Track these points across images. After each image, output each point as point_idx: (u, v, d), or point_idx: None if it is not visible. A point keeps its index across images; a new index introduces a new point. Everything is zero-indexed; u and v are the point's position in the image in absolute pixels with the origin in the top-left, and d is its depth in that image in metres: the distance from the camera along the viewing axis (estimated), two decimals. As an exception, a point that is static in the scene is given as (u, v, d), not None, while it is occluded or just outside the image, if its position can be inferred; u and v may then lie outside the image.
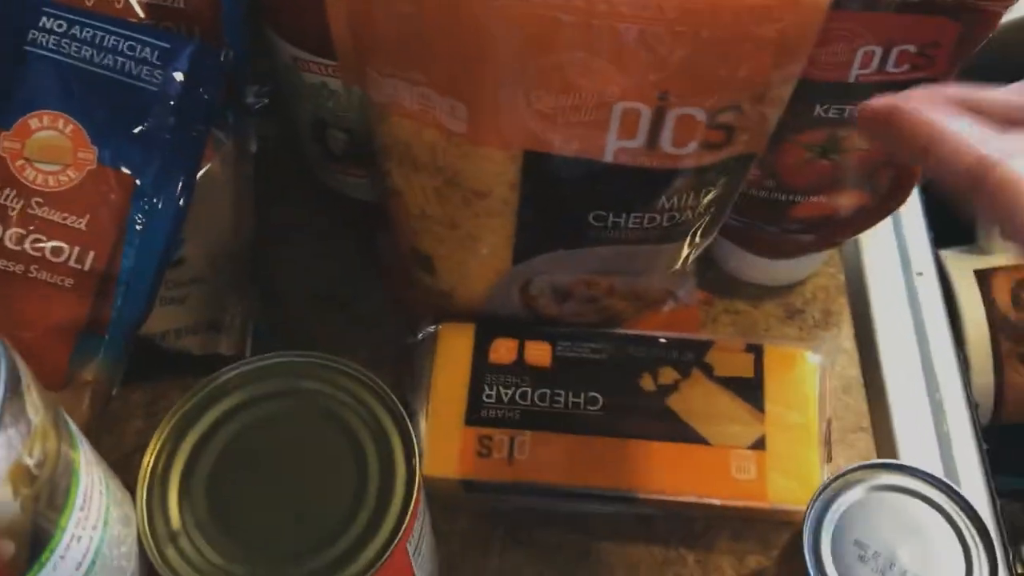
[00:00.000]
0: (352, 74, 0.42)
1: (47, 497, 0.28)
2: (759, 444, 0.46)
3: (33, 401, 0.27)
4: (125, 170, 0.43)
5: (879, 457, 0.51)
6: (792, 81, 0.37)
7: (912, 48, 0.40)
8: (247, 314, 0.52)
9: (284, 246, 0.57)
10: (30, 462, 0.26)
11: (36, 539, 0.28)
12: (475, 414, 0.47)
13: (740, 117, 0.38)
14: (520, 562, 0.47)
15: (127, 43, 0.43)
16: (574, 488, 0.46)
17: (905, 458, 0.50)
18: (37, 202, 0.42)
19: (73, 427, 0.30)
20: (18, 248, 0.42)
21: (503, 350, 0.49)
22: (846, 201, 0.49)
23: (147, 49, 0.43)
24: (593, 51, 0.36)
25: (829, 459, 0.46)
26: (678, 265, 0.47)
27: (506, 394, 0.48)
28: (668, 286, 0.51)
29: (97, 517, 0.31)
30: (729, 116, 0.38)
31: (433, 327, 0.50)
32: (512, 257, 0.45)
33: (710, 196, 0.42)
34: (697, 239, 0.45)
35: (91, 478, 0.30)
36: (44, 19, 0.43)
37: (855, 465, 0.40)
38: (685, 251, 0.45)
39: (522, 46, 0.36)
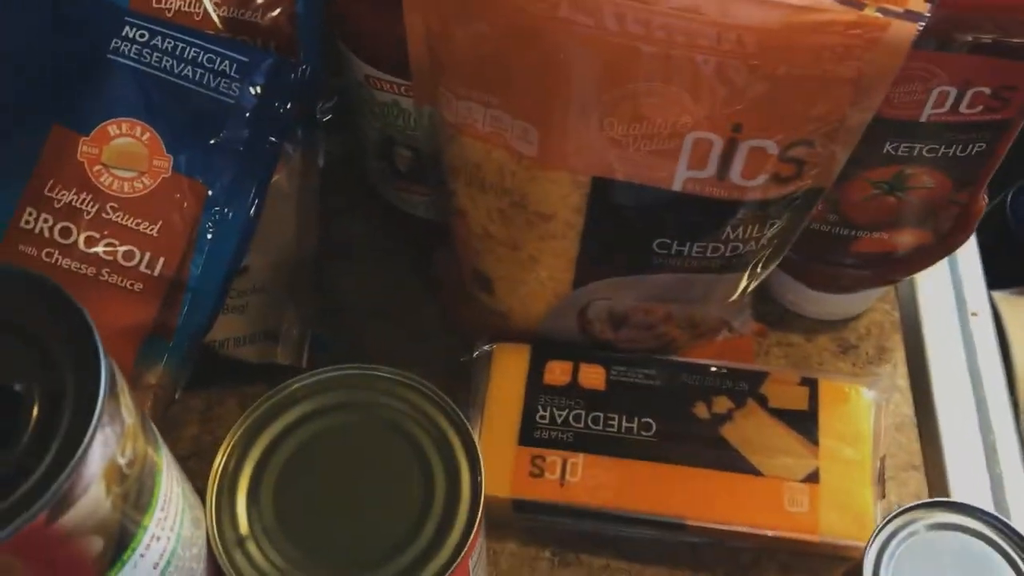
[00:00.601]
0: (425, 94, 0.43)
1: (134, 496, 0.28)
2: (812, 477, 0.46)
3: (127, 402, 0.28)
4: (198, 179, 0.44)
5: (931, 495, 0.50)
6: (867, 119, 0.37)
7: (987, 90, 0.40)
8: (305, 325, 0.53)
9: (342, 259, 0.58)
10: (122, 461, 0.27)
11: (120, 537, 0.28)
12: (528, 434, 0.48)
13: (811, 152, 0.38)
14: (567, 584, 0.47)
15: (206, 55, 0.44)
16: (624, 512, 0.46)
17: (957, 498, 0.50)
18: (112, 207, 0.43)
19: (155, 430, 0.31)
20: (91, 251, 0.43)
21: (558, 372, 0.49)
22: (907, 239, 0.49)
23: (225, 62, 0.44)
24: (670, 81, 0.36)
25: (883, 496, 0.46)
26: (736, 295, 0.47)
27: (559, 416, 0.48)
28: (724, 315, 0.51)
29: (174, 518, 0.31)
30: (801, 151, 0.38)
31: (488, 346, 0.50)
32: (572, 281, 0.45)
33: (774, 228, 0.42)
34: (758, 270, 0.45)
35: (171, 480, 0.31)
36: (127, 28, 0.44)
37: (914, 503, 0.40)
38: (744, 281, 0.46)
39: (599, 73, 0.37)
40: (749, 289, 0.47)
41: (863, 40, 0.34)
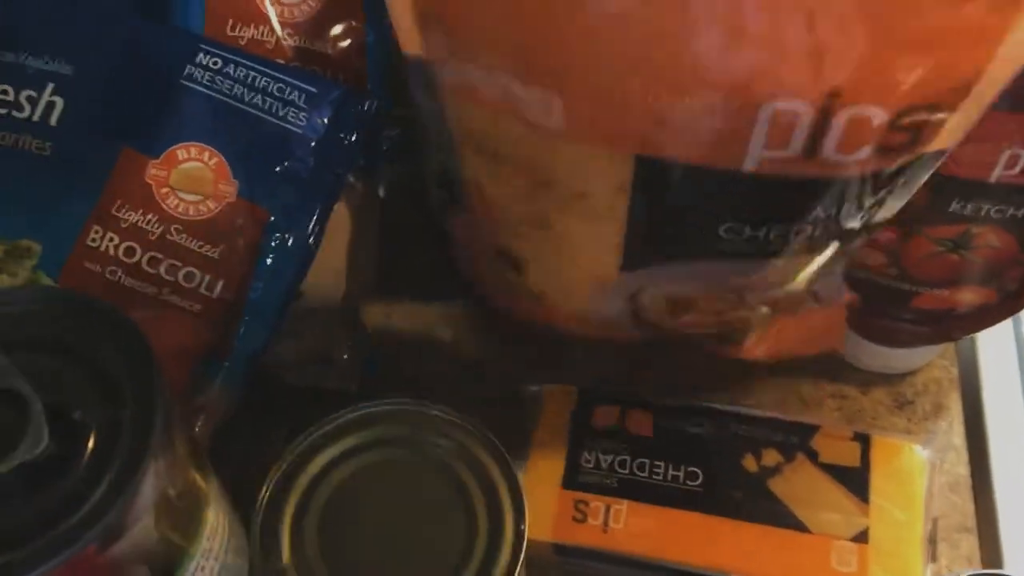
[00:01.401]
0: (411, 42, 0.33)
1: (182, 526, 0.28)
2: (862, 537, 0.45)
3: (180, 434, 0.28)
4: (261, 205, 0.45)
5: (983, 560, 0.49)
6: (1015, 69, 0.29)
7: (1060, 155, 0.39)
8: (358, 351, 0.53)
9: (400, 288, 0.58)
10: (172, 492, 0.27)
11: (165, 566, 0.28)
12: (573, 478, 0.47)
13: (934, 118, 0.31)
14: (606, 630, 0.47)
15: (276, 84, 0.45)
16: (666, 563, 0.46)
17: (1010, 564, 0.49)
18: (176, 229, 0.44)
19: (206, 459, 0.31)
20: (153, 271, 0.44)
21: (604, 416, 0.49)
22: (970, 297, 0.48)
23: (295, 92, 0.45)
24: (742, 33, 0.27)
25: (933, 559, 0.45)
26: (829, 275, 0.40)
27: (605, 460, 0.48)
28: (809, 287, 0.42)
29: (220, 547, 0.31)
30: (920, 116, 0.30)
31: (536, 387, 0.50)
32: (620, 264, 0.38)
33: (881, 197, 0.35)
34: (857, 239, 0.38)
35: (218, 510, 0.31)
36: (201, 55, 0.45)
37: (964, 572, 0.39)
38: (835, 256, 0.38)
39: (645, 25, 0.28)
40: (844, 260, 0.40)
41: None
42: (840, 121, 0.30)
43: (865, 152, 0.31)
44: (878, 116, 0.30)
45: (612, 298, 0.42)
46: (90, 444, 0.26)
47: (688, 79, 0.29)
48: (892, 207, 0.37)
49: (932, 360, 0.55)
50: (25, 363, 0.27)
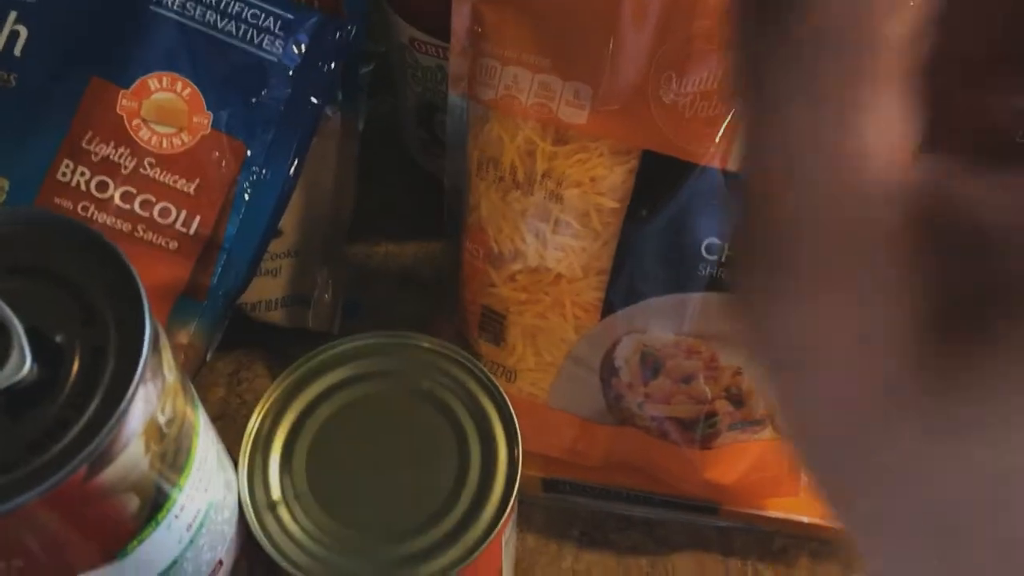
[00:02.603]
0: (463, 68, 0.41)
1: (171, 456, 0.28)
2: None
3: (168, 359, 0.27)
4: (238, 137, 0.43)
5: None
6: None
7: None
8: (338, 291, 0.52)
9: (373, 225, 0.57)
10: (162, 420, 0.26)
11: (156, 497, 0.28)
12: (561, 411, 0.47)
13: None
14: (593, 563, 0.47)
15: (251, 11, 0.43)
16: (655, 494, 0.46)
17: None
18: (149, 163, 0.42)
19: (193, 390, 0.30)
20: (127, 207, 0.42)
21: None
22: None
23: (270, 19, 0.43)
24: None
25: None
26: None
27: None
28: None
29: (209, 480, 0.31)
30: None
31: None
32: (602, 304, 0.41)
33: None
34: None
35: (207, 441, 0.30)
36: (171, -20, 0.43)
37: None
38: None
39: (658, 14, 0.35)
40: None
41: None
42: None
43: None
44: None
45: (589, 358, 0.42)
46: (74, 368, 0.25)
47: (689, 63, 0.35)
48: None
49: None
50: (4, 286, 0.25)
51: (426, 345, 0.38)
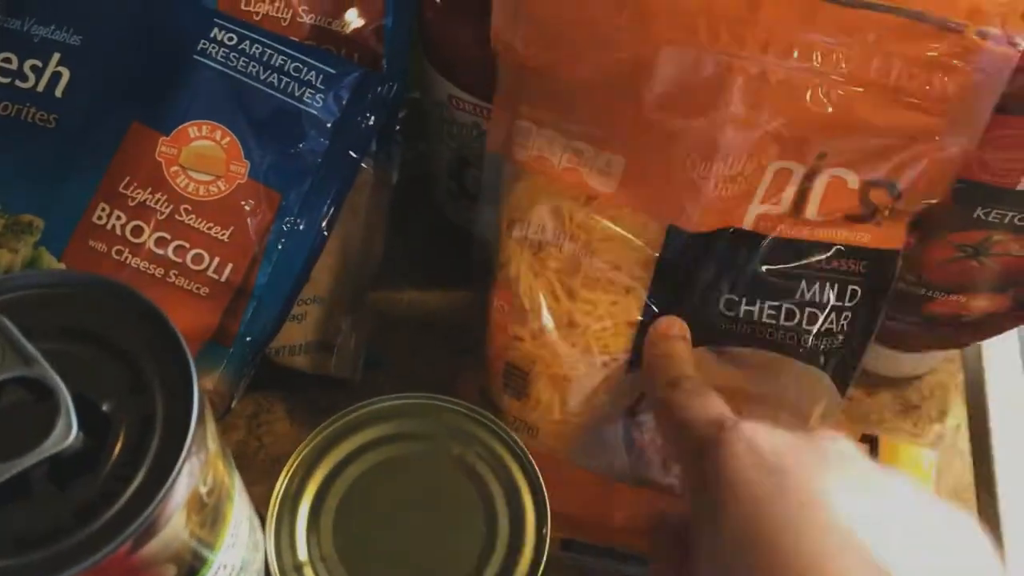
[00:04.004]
0: (502, 126, 0.42)
1: (209, 523, 0.27)
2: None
3: (212, 430, 0.27)
4: (274, 187, 0.43)
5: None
6: (954, 164, 0.38)
7: (1088, 165, 0.39)
8: (361, 338, 0.52)
9: (397, 272, 0.57)
10: (203, 490, 0.26)
11: (191, 564, 0.27)
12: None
13: (891, 198, 0.38)
14: (609, 627, 0.47)
15: (293, 64, 0.44)
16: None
17: (1012, 566, 0.49)
18: (185, 209, 0.43)
19: (230, 455, 0.30)
20: (160, 252, 0.42)
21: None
22: (983, 303, 0.48)
23: (312, 72, 0.44)
24: (760, 104, 0.36)
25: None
26: (821, 407, 0.41)
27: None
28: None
29: (241, 543, 0.30)
30: (881, 193, 0.38)
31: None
32: (629, 357, 0.41)
33: (854, 301, 0.40)
34: (842, 365, 0.41)
35: (242, 504, 0.30)
36: (216, 31, 0.43)
37: None
38: (827, 378, 0.41)
39: (690, 98, 0.36)
40: (836, 404, 0.42)
41: (961, 57, 0.35)
42: (823, 179, 0.38)
43: (838, 216, 0.39)
44: (852, 181, 0.38)
45: (613, 411, 0.42)
46: (121, 438, 0.25)
47: (715, 150, 0.37)
48: (863, 323, 0.41)
49: (938, 365, 0.55)
50: (52, 347, 0.25)
51: (457, 408, 0.38)
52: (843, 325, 0.40)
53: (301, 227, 0.44)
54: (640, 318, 0.40)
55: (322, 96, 0.44)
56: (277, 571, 0.34)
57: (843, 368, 0.41)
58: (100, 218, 0.42)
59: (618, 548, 0.45)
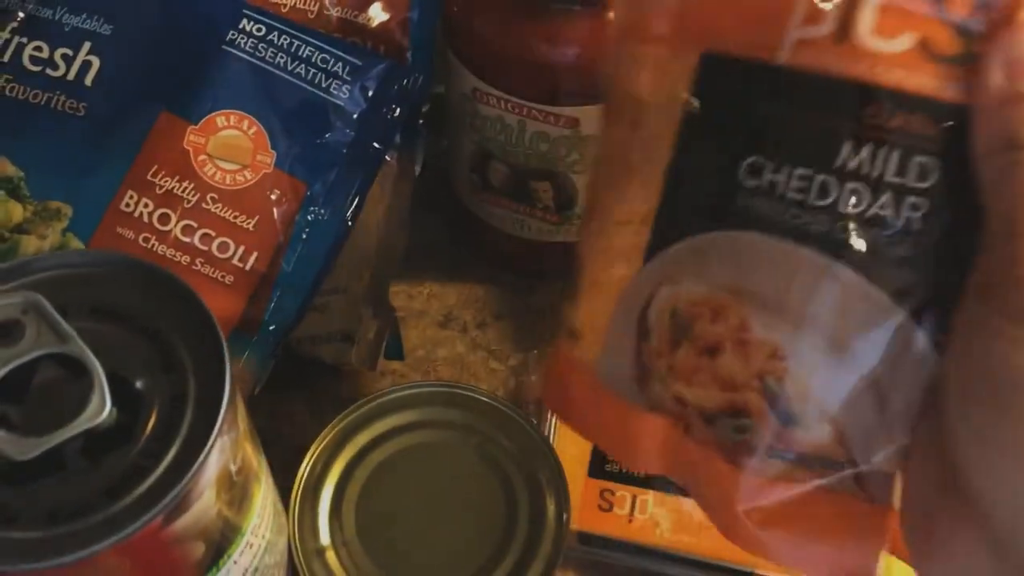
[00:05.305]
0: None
1: (237, 502, 0.28)
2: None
3: (242, 408, 0.27)
4: (300, 177, 0.44)
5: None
6: None
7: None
8: (381, 329, 0.52)
9: (417, 264, 0.58)
10: (233, 468, 0.27)
11: (220, 542, 0.28)
12: (599, 467, 0.47)
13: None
14: (625, 621, 0.47)
15: (320, 55, 0.44)
16: (692, 556, 0.46)
17: None
18: (212, 198, 0.43)
19: (257, 435, 0.31)
20: (187, 240, 0.43)
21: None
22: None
23: (339, 64, 0.44)
24: None
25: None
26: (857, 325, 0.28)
27: (632, 450, 0.47)
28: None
29: (267, 524, 0.31)
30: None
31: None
32: (647, 243, 0.31)
33: (924, 181, 0.26)
34: (897, 276, 0.27)
35: (268, 486, 0.31)
36: (245, 21, 0.44)
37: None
38: (875, 291, 0.27)
39: None
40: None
41: None
42: None
43: (906, 41, 0.26)
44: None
45: (627, 318, 0.32)
46: (153, 415, 0.26)
47: None
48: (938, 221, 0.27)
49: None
50: (86, 326, 0.26)
51: (478, 396, 0.38)
52: (908, 218, 0.27)
53: (326, 217, 0.44)
54: (661, 187, 0.31)
55: (348, 87, 0.44)
56: (300, 554, 0.34)
57: (890, 271, 0.27)
58: (128, 205, 0.42)
59: (635, 543, 0.46)
